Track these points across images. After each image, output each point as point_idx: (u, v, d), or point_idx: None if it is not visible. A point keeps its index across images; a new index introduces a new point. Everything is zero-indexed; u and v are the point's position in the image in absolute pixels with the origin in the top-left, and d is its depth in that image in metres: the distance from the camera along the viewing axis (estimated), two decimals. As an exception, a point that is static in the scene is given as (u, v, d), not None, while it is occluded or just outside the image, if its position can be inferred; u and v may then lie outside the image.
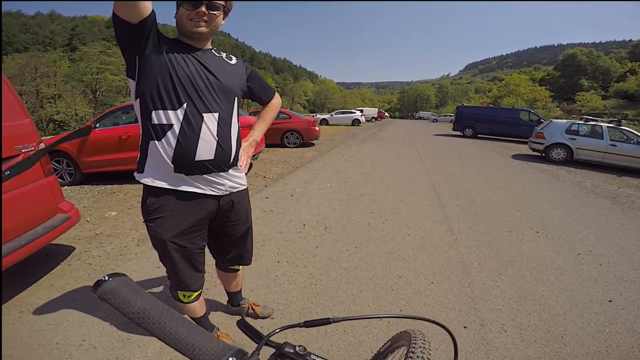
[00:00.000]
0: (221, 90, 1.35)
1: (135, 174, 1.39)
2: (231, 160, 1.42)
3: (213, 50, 1.41)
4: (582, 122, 9.42)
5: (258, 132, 1.68)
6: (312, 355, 0.48)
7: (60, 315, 2.11)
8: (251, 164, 7.32)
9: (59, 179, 4.84)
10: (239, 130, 1.47)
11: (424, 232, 3.55)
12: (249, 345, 0.51)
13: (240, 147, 1.50)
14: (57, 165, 5.58)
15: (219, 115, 1.33)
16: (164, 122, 1.26)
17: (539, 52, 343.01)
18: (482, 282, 2.58)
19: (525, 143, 12.14)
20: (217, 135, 1.33)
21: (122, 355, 1.77)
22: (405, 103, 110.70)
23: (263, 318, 2.07)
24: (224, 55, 1.46)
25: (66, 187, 5.45)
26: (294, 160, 8.52)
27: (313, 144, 12.00)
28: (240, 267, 1.84)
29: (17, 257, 2.15)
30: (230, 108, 1.40)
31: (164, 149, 1.28)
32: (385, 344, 0.84)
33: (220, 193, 1.44)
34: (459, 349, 0.58)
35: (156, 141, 1.28)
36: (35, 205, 2.43)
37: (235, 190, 1.51)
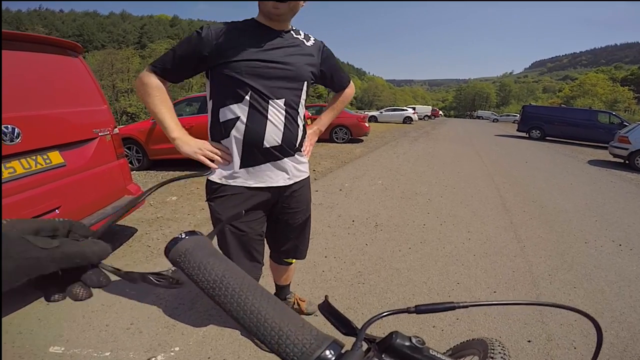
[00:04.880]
0: (288, 77, 1.29)
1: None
2: (297, 145, 1.38)
3: (292, 31, 1.35)
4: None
5: (324, 121, 1.63)
6: (431, 350, 0.36)
7: (115, 297, 2.17)
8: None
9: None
10: (304, 116, 1.42)
11: (487, 238, 3.25)
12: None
13: (305, 134, 1.46)
14: (128, 151, 6.11)
15: (284, 101, 1.29)
16: (232, 116, 1.26)
17: (619, 50, 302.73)
18: (553, 295, 2.32)
19: (603, 148, 10.88)
20: (284, 121, 1.30)
21: (165, 342, 1.78)
22: (462, 101, 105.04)
23: (307, 315, 2.00)
24: (301, 35, 1.38)
25: (134, 171, 5.92)
26: (342, 155, 8.42)
27: (362, 140, 11.78)
28: (294, 260, 1.78)
29: None
30: (297, 94, 1.33)
31: (235, 139, 1.29)
32: (447, 351, 0.70)
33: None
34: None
35: (225, 138, 1.31)
36: (107, 185, 2.61)
37: (298, 178, 1.46)
